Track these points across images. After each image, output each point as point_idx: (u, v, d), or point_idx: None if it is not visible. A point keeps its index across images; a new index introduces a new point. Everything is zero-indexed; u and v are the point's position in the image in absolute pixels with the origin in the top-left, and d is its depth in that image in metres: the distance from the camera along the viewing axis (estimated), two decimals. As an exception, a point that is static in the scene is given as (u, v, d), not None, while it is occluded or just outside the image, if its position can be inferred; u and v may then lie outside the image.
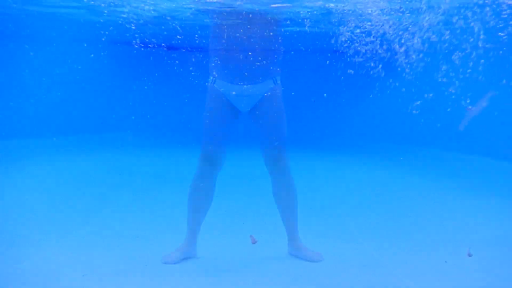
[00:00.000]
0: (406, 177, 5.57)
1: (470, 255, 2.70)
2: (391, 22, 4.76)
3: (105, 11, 4.73)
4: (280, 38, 2.73)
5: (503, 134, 6.23)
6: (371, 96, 8.45)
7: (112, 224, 3.50)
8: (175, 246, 2.87)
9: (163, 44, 8.46)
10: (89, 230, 3.35)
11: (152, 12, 4.21)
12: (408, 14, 4.19)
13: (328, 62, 8.66)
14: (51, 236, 3.13)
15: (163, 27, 5.15)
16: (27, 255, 2.77)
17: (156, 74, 8.65)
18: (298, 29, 4.68)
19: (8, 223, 3.37)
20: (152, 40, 7.58)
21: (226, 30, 2.61)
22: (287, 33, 4.69)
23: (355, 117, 8.51)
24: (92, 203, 4.03)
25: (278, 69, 2.77)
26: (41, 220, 3.48)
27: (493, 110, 6.49)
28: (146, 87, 8.58)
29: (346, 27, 4.81)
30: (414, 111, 6.59)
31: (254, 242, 2.82)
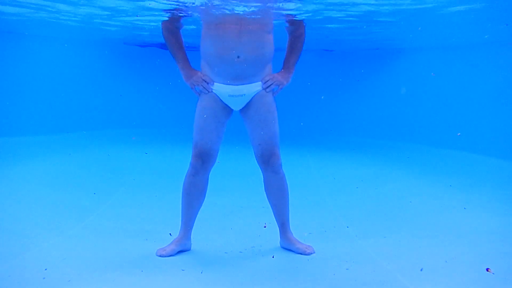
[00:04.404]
0: (397, 173, 5.62)
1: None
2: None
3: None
4: (272, 36, 2.79)
5: (490, 130, 6.34)
6: (361, 93, 8.55)
7: (108, 220, 3.56)
8: (170, 241, 2.94)
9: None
10: (84, 225, 3.40)
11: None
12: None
13: (317, 60, 8.74)
14: (46, 232, 3.17)
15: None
16: (22, 250, 2.81)
17: (150, 71, 8.70)
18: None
19: (3, 219, 3.40)
20: (146, 39, 7.63)
21: (217, 32, 2.67)
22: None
23: (346, 114, 8.59)
24: (88, 199, 4.08)
25: (270, 66, 2.84)
26: (37, 216, 3.52)
27: (480, 107, 6.61)
28: (140, 85, 8.62)
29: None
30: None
31: None
